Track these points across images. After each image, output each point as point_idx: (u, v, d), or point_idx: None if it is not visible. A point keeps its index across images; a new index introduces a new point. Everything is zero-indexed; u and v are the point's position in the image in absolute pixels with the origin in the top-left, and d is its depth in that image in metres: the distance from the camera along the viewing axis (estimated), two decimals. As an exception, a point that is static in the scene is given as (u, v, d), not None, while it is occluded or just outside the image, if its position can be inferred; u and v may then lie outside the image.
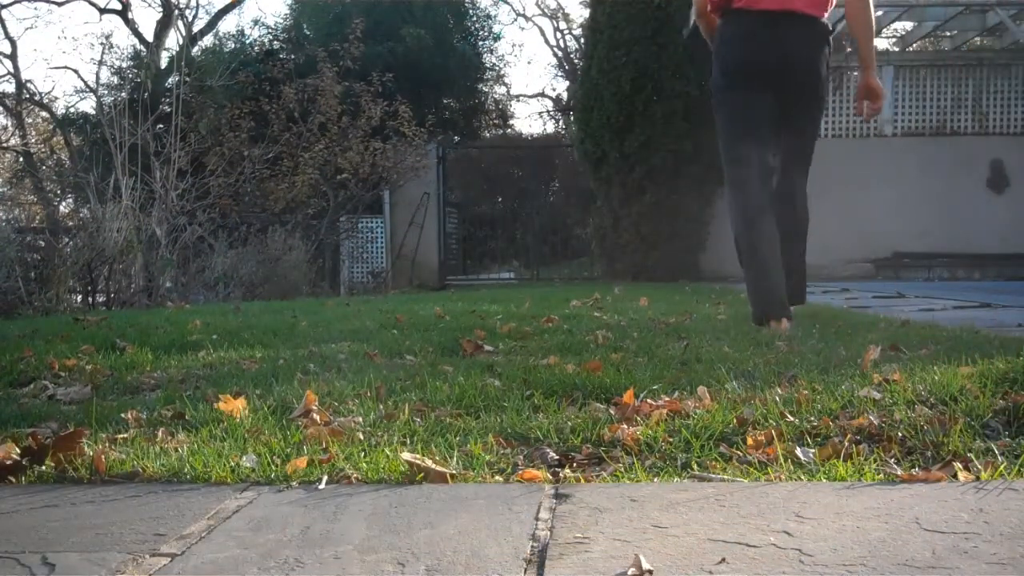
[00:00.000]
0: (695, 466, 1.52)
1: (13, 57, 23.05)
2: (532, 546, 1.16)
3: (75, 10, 70.19)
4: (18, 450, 1.59)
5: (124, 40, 37.65)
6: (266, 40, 17.34)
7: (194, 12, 31.09)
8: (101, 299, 7.17)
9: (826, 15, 3.34)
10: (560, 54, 26.63)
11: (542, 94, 31.86)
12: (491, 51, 20.75)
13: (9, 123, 23.87)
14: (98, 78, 24.25)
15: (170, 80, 15.65)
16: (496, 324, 3.62)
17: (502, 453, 1.62)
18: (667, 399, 1.92)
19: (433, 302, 5.37)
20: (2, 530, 1.26)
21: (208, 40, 19.62)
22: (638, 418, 1.78)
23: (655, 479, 1.46)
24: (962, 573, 1.03)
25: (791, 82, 3.28)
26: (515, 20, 39.48)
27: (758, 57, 3.26)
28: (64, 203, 16.09)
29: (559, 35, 29.17)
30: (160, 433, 1.77)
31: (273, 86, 11.64)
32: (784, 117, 3.32)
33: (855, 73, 12.01)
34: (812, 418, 1.73)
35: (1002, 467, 1.43)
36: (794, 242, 3.42)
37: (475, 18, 19.22)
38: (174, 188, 8.35)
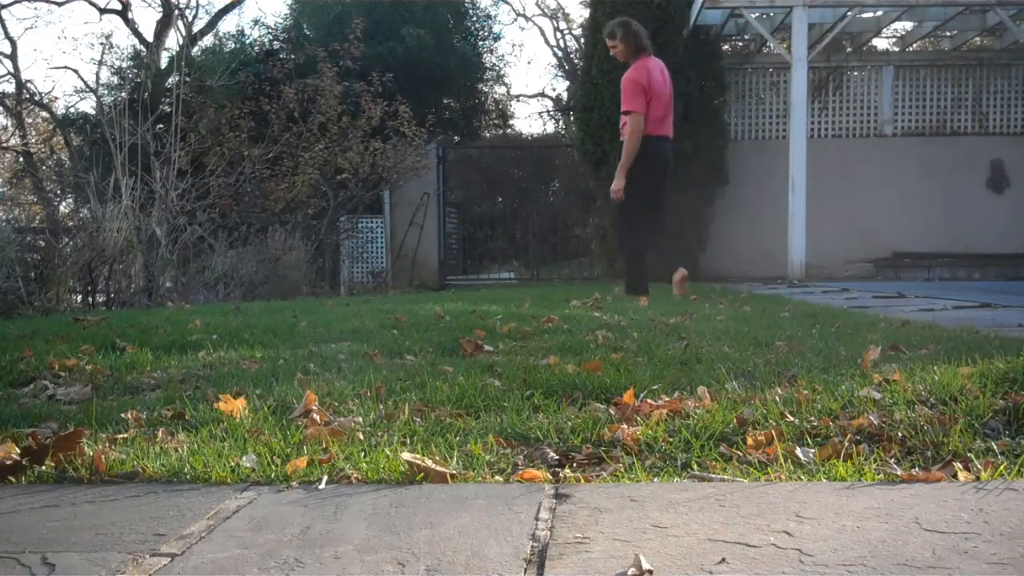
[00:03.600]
0: (695, 466, 1.52)
1: (13, 57, 23.07)
2: (532, 546, 1.16)
3: (75, 10, 70.08)
4: (18, 450, 1.59)
5: (124, 40, 37.47)
6: (266, 40, 17.30)
7: (194, 12, 30.99)
8: (101, 299, 7.17)
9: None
10: (560, 54, 26.62)
11: (542, 94, 31.86)
12: (491, 51, 20.73)
13: (9, 123, 23.89)
14: (98, 78, 24.23)
15: (170, 80, 15.61)
16: (496, 324, 3.62)
17: (502, 453, 1.62)
18: (667, 399, 1.92)
19: (433, 302, 5.36)
20: (2, 530, 1.26)
21: (208, 40, 19.60)
22: (638, 418, 1.78)
23: (655, 479, 1.46)
24: (962, 573, 1.03)
25: (667, 170, 6.37)
26: (515, 20, 39.43)
27: (660, 156, 6.22)
28: (64, 203, 16.08)
29: (559, 35, 29.21)
30: (160, 433, 1.77)
31: (273, 86, 11.62)
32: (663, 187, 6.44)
33: (855, 72, 12.03)
34: (812, 418, 1.73)
35: (1002, 467, 1.44)
36: (663, 240, 6.32)
37: (475, 18, 19.19)
38: (174, 188, 8.34)
